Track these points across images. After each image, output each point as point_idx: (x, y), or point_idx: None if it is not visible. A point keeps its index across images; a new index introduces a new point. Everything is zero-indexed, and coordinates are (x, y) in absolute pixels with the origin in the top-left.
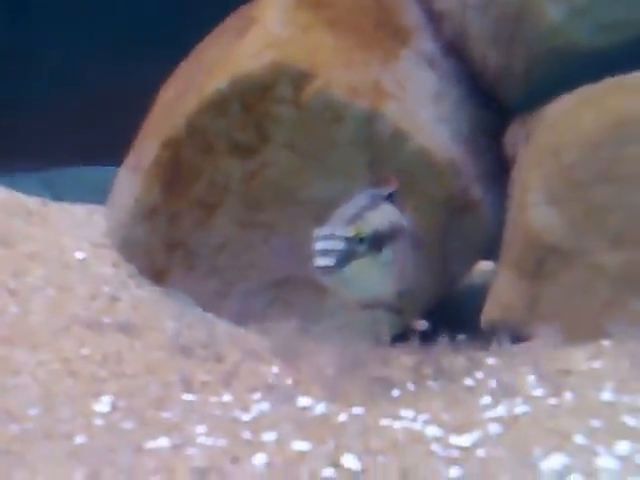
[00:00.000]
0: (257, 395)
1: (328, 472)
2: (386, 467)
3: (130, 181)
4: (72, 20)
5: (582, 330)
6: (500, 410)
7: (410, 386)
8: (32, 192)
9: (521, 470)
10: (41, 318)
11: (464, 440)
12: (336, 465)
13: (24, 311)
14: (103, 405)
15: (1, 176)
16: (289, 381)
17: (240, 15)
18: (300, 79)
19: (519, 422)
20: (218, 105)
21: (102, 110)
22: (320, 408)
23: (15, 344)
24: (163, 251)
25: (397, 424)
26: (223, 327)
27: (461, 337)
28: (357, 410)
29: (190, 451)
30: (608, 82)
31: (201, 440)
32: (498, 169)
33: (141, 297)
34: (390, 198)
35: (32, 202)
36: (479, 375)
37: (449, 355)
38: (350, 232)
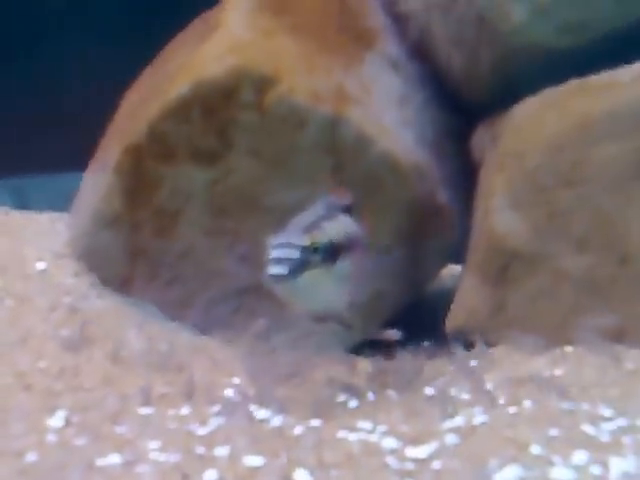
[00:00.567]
0: (216, 408)
1: None
2: None
3: (92, 188)
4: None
5: (546, 336)
6: (458, 420)
7: (370, 396)
8: None
9: None
10: None
11: (420, 452)
12: None
13: None
14: (57, 420)
15: None
16: (249, 393)
17: (204, 20)
18: (263, 84)
19: (477, 432)
20: (180, 111)
21: (73, 115)
22: (277, 421)
23: None
24: (125, 260)
25: (353, 436)
26: (186, 336)
27: (426, 344)
28: (314, 422)
29: (141, 468)
30: (572, 84)
31: (154, 456)
32: (464, 173)
33: (102, 308)
34: (346, 209)
35: None
36: (440, 383)
37: (412, 363)
38: (306, 241)
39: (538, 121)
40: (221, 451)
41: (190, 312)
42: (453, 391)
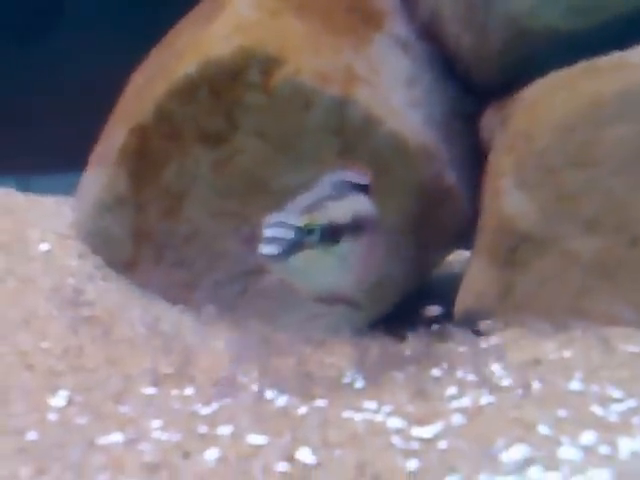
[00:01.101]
0: (220, 388)
1: (282, 466)
2: (342, 460)
3: (97, 170)
4: None
5: (554, 318)
6: (465, 401)
7: (376, 377)
8: None
9: (481, 462)
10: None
11: (426, 432)
12: (291, 459)
13: None
14: (59, 399)
15: None
16: (254, 374)
17: (211, 1)
18: (269, 64)
19: (483, 413)
20: (186, 90)
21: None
22: (281, 401)
23: None
24: (130, 242)
25: (359, 416)
26: (190, 318)
27: (434, 327)
28: (319, 402)
29: (143, 446)
30: (582, 65)
31: (155, 435)
32: (473, 154)
33: (107, 289)
34: (361, 188)
35: None
36: (447, 365)
37: (419, 345)
38: (301, 222)
39: (548, 102)
40: (224, 430)
41: (195, 294)
42: (460, 373)
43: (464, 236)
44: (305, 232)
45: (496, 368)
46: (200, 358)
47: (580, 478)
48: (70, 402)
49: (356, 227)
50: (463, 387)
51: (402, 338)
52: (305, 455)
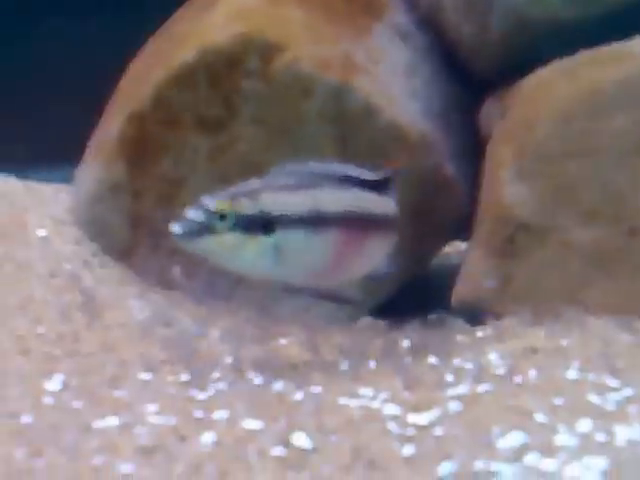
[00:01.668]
0: (216, 374)
1: (277, 451)
2: (338, 446)
3: (95, 157)
4: None
5: (552, 308)
6: (462, 388)
7: (372, 364)
8: None
9: (477, 448)
10: None
11: (422, 418)
12: (286, 444)
13: None
14: (54, 383)
15: None
16: (251, 360)
17: None
18: (268, 51)
19: (480, 400)
20: (185, 77)
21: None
22: (277, 386)
23: None
24: (127, 229)
25: (355, 402)
26: (187, 306)
27: (432, 316)
28: (315, 388)
29: (138, 430)
30: (583, 54)
31: (151, 419)
32: (472, 145)
33: (103, 276)
34: (369, 185)
35: None
36: (444, 354)
37: (417, 334)
38: (216, 206)
39: (548, 91)
40: (220, 415)
41: (192, 282)
42: (457, 361)
43: (462, 227)
44: (216, 217)
45: (493, 357)
46: (196, 345)
47: (576, 465)
48: (65, 386)
49: (314, 220)
50: (460, 375)
51: (399, 327)
52: (301, 440)
